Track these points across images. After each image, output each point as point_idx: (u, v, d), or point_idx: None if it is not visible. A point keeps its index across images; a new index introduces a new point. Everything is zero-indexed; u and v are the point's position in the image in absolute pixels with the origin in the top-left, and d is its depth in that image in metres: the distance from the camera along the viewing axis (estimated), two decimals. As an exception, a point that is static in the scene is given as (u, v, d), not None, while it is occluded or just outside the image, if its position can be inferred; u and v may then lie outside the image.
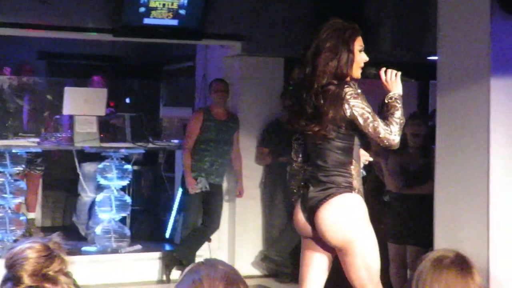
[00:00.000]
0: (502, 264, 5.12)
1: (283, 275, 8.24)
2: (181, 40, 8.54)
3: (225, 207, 8.41)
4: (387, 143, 4.10)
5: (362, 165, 4.33)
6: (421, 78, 9.87)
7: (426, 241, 6.41)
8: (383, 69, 4.27)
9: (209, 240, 8.25)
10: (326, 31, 4.20)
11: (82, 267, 7.88)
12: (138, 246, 8.44)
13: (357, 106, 4.08)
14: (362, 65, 4.27)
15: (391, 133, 4.07)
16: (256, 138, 8.52)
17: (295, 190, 8.03)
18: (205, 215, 8.12)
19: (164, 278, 8.01)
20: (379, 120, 4.09)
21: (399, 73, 4.25)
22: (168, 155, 9.25)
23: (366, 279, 4.20)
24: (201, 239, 8.12)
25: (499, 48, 5.03)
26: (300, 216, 4.36)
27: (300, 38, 8.54)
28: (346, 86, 4.11)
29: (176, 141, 8.86)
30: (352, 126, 4.14)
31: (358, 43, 4.25)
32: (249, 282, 8.63)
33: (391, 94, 4.20)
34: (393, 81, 4.23)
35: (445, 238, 5.41)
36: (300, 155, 4.46)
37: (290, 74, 4.34)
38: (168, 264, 8.01)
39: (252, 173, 8.50)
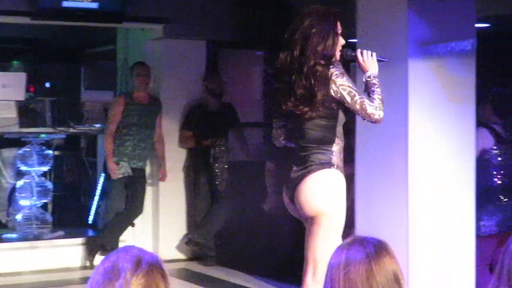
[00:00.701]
0: (420, 244, 5.23)
1: (207, 258, 8.25)
2: (101, 23, 8.43)
3: (149, 191, 8.37)
4: (372, 119, 4.24)
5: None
6: (341, 61, 9.96)
7: (348, 221, 6.51)
8: (359, 50, 4.41)
9: (133, 225, 8.21)
10: (311, 16, 4.33)
11: (3, 254, 7.76)
12: (61, 232, 8.34)
13: (343, 85, 4.23)
14: (340, 48, 4.40)
15: (376, 108, 4.21)
16: (179, 122, 8.49)
17: (219, 173, 8.12)
18: (128, 200, 8.07)
19: (88, 264, 7.95)
20: (364, 97, 4.23)
21: (375, 54, 4.39)
22: (90, 139, 9.15)
23: (321, 253, 4.26)
24: (124, 224, 8.07)
25: (416, 31, 5.13)
26: (286, 198, 4.47)
27: (223, 21, 8.56)
28: (331, 66, 4.26)
29: (98, 125, 8.77)
30: (340, 105, 4.28)
31: (339, 28, 4.40)
32: (173, 265, 8.67)
33: (368, 73, 4.33)
34: (369, 61, 4.36)
35: (365, 219, 5.50)
36: (283, 136, 4.56)
37: (276, 59, 4.47)
38: (91, 250, 7.94)
39: (175, 156, 8.47)
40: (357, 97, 4.21)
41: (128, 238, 8.21)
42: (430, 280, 5.21)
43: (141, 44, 8.82)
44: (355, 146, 5.64)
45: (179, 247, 8.51)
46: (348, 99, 4.23)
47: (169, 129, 8.42)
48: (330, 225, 4.29)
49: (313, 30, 4.28)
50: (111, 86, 9.30)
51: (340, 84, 4.23)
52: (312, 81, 4.23)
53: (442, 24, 5.35)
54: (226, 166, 8.20)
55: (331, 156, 4.31)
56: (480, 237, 5.84)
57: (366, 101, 4.21)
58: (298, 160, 4.40)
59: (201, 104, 8.43)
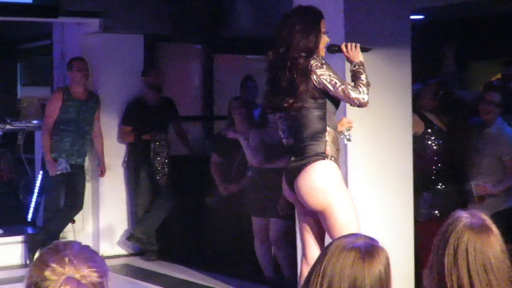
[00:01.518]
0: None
1: (149, 253, 8.22)
2: (36, 18, 8.31)
3: (88, 187, 8.30)
4: (357, 103, 4.45)
5: (348, 131, 4.68)
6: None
7: (286, 214, 6.56)
8: (344, 43, 4.62)
9: (73, 221, 8.14)
10: (295, 14, 4.62)
11: None
12: (0, 231, 8.23)
13: (323, 75, 4.45)
14: (325, 44, 4.63)
15: (360, 93, 4.42)
16: (118, 117, 8.43)
17: (159, 168, 8.10)
18: (67, 196, 7.99)
19: (28, 261, 7.85)
20: (346, 83, 4.44)
21: (358, 45, 4.59)
22: (28, 136, 9.03)
23: None
24: (64, 220, 8.00)
25: (352, 21, 5.18)
26: (285, 186, 4.67)
27: (160, 14, 8.52)
28: (311, 59, 4.47)
29: (35, 121, 8.66)
30: (324, 94, 4.47)
31: (322, 25, 4.62)
32: (115, 261, 8.62)
33: (354, 63, 4.57)
34: (353, 51, 4.58)
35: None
36: (286, 132, 4.67)
37: (266, 56, 4.73)
38: (31, 247, 7.85)
39: (115, 152, 8.42)
40: (338, 84, 4.42)
41: (69, 234, 8.13)
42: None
43: (77, 39, 8.72)
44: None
45: (120, 243, 8.46)
46: (330, 87, 4.44)
47: (108, 124, 8.36)
48: (342, 214, 4.43)
49: (297, 27, 4.52)
50: (49, 82, 9.19)
51: (320, 74, 4.45)
52: (294, 74, 4.46)
53: (377, 16, 5.41)
54: (166, 161, 8.17)
55: (325, 147, 4.47)
56: (419, 223, 5.95)
57: (349, 87, 4.42)
58: (296, 152, 4.58)
59: (140, 99, 8.38)
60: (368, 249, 2.34)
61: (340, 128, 4.69)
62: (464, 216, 2.57)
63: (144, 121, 8.23)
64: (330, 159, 4.48)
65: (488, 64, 9.49)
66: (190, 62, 10.05)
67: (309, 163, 4.47)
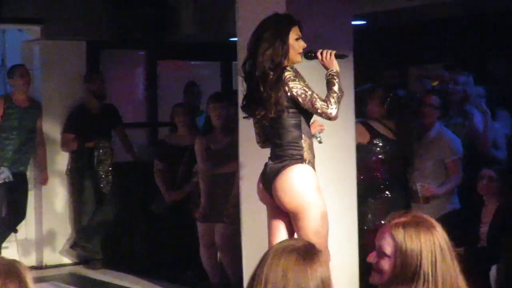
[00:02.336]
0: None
1: (94, 261, 8.15)
2: (-24, 25, 8.20)
3: (31, 195, 8.19)
4: (325, 117, 4.49)
5: (319, 134, 4.75)
6: (224, 59, 10.03)
7: (233, 219, 6.57)
8: (319, 50, 4.62)
9: (15, 231, 8.03)
10: (264, 24, 4.63)
11: None
12: None
13: (295, 87, 4.48)
14: (301, 51, 4.63)
15: (327, 107, 4.44)
16: (61, 124, 8.34)
17: (103, 175, 8.03)
18: (9, 206, 7.88)
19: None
20: (316, 96, 4.46)
21: (333, 52, 4.60)
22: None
23: (316, 243, 4.33)
24: (6, 230, 7.88)
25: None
26: (260, 186, 4.74)
27: (103, 21, 8.46)
28: (284, 71, 4.51)
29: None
30: (296, 105, 4.51)
31: (295, 33, 4.62)
32: (59, 270, 8.49)
33: (328, 71, 4.59)
34: (327, 59, 4.59)
35: (251, 216, 5.55)
36: (261, 136, 4.80)
37: (242, 64, 4.73)
38: (-28, 258, 7.71)
39: (58, 159, 8.33)
40: (308, 97, 4.46)
41: (11, 244, 8.02)
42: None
43: (19, 45, 8.61)
44: (238, 144, 5.68)
45: (64, 252, 8.37)
46: (300, 100, 4.48)
47: (51, 132, 8.27)
48: (312, 215, 4.49)
49: (264, 36, 4.55)
50: (-11, 89, 9.05)
51: (292, 87, 4.48)
52: (264, 86, 4.51)
53: (319, 22, 5.45)
54: (110, 168, 8.11)
55: (302, 153, 4.55)
56: (366, 231, 6.00)
57: (318, 100, 4.45)
58: (274, 156, 4.66)
59: (82, 106, 8.30)
60: (308, 251, 2.34)
61: (312, 130, 4.75)
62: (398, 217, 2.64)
63: (87, 129, 8.16)
64: (308, 163, 4.56)
65: (430, 68, 9.62)
66: (134, 68, 10.00)
67: (288, 165, 4.55)
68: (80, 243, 8.13)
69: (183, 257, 7.67)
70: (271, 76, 4.50)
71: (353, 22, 5.83)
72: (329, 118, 4.49)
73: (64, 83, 8.39)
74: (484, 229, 5.93)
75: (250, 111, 4.67)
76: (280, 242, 2.42)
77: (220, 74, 10.22)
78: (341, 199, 5.52)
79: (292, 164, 4.55)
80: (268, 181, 4.65)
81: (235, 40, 5.68)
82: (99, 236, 8.16)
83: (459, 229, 5.86)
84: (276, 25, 4.60)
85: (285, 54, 4.55)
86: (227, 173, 6.76)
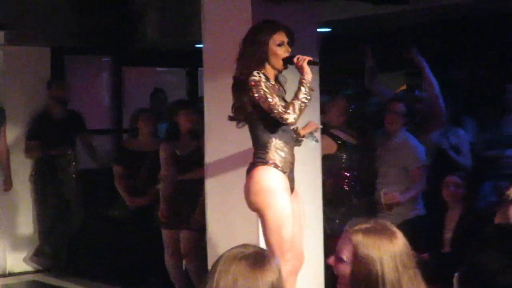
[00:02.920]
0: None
1: (58, 268, 8.09)
2: None
3: (-6, 203, 8.12)
4: (282, 121, 4.52)
5: (315, 133, 4.88)
6: (190, 65, 10.03)
7: (198, 226, 6.56)
8: (296, 56, 4.63)
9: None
10: (249, 30, 4.71)
11: None
12: None
13: (257, 92, 4.50)
14: (284, 56, 4.66)
15: (284, 112, 4.48)
16: (24, 131, 8.27)
17: (67, 182, 7.97)
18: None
19: None
20: (276, 101, 4.48)
21: (307, 58, 4.60)
22: None
23: (274, 244, 4.56)
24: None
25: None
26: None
27: (67, 27, 8.41)
28: (250, 75, 4.53)
29: None
30: (260, 109, 4.55)
31: (277, 38, 4.66)
32: (23, 278, 8.42)
33: (300, 77, 4.60)
34: (300, 65, 4.60)
35: (217, 223, 5.54)
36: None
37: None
38: None
39: (22, 166, 8.26)
40: (267, 101, 4.49)
41: (-26, 252, 7.94)
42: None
43: (-19, 52, 8.54)
44: (204, 150, 5.67)
45: (28, 259, 8.29)
46: (261, 103, 4.52)
47: (14, 139, 8.20)
48: (271, 216, 4.54)
49: (244, 43, 4.66)
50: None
51: (254, 91, 4.51)
52: (234, 91, 4.62)
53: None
54: (73, 175, 8.07)
55: (266, 155, 4.60)
56: (332, 237, 6.02)
57: (277, 104, 4.48)
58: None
59: (45, 112, 8.25)
60: (259, 258, 2.33)
61: (306, 130, 4.88)
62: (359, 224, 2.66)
63: (50, 135, 8.10)
64: (271, 165, 4.60)
65: (393, 76, 9.69)
66: (99, 74, 9.95)
67: (252, 168, 4.64)
68: (44, 250, 8.06)
69: (148, 264, 7.64)
70: (239, 81, 4.58)
71: (319, 30, 5.86)
72: (286, 123, 4.53)
73: (28, 89, 8.33)
74: (448, 235, 5.98)
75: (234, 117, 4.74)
76: (230, 249, 2.40)
77: (186, 81, 10.21)
78: (306, 205, 5.53)
79: (256, 166, 4.62)
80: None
81: (201, 47, 5.67)
82: (63, 243, 8.10)
83: (423, 235, 5.91)
84: (255, 31, 4.67)
85: (261, 60, 4.60)
86: (193, 179, 6.75)
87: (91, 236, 8.43)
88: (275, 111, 4.48)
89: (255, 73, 4.54)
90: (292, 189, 4.74)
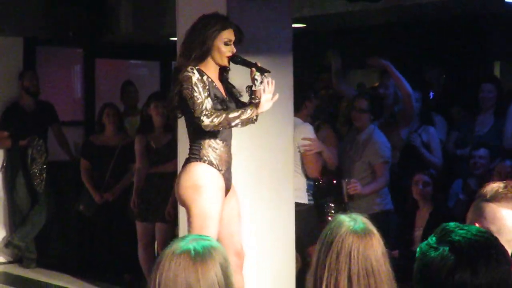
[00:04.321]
0: (254, 239, 5.31)
1: (28, 260, 8.05)
2: None
3: (-37, 194, 8.06)
4: (197, 121, 4.43)
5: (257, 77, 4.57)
6: (163, 59, 9.99)
7: (172, 218, 6.56)
8: (266, 80, 4.52)
9: None
10: (198, 20, 4.63)
11: None
12: None
13: (185, 88, 4.45)
14: (228, 55, 4.60)
15: (202, 115, 4.38)
16: (-5, 122, 8.21)
17: (37, 174, 7.92)
18: None
19: None
20: (201, 100, 4.40)
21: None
22: None
23: None
24: None
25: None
26: None
27: (40, 18, 8.35)
28: (183, 71, 4.48)
29: None
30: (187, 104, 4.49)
31: (225, 36, 4.59)
32: (-8, 269, 8.21)
33: (254, 102, 4.50)
34: (266, 98, 4.50)
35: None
36: None
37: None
38: None
39: (-9, 157, 8.20)
40: (192, 98, 4.42)
41: None
42: (255, 270, 5.28)
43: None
44: (177, 143, 5.66)
45: (-3, 250, 8.24)
46: (187, 99, 4.45)
47: (-15, 129, 8.12)
48: (196, 212, 4.50)
49: (186, 37, 4.62)
50: None
51: (183, 87, 4.46)
52: (172, 79, 4.58)
53: (260, 24, 5.47)
54: (44, 166, 8.01)
55: (200, 151, 4.56)
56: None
57: (199, 108, 4.40)
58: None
59: (17, 103, 8.19)
60: (199, 252, 2.29)
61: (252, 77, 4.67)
62: (347, 220, 2.62)
63: (21, 126, 8.04)
64: (205, 162, 4.56)
65: (366, 73, 9.74)
66: (72, 66, 9.89)
67: (186, 164, 4.63)
68: (14, 241, 8.01)
69: (120, 257, 7.62)
70: (174, 76, 4.56)
71: (293, 25, 5.86)
72: (201, 125, 4.43)
73: (-1, 80, 8.26)
74: (418, 233, 6.02)
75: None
76: (172, 243, 2.36)
77: (159, 74, 10.18)
78: (277, 204, 5.54)
79: (189, 162, 4.60)
80: None
81: (175, 40, 5.65)
82: (33, 234, 8.05)
83: (390, 230, 5.94)
84: (205, 23, 4.59)
85: (204, 54, 4.54)
86: (167, 172, 6.74)
87: (62, 228, 8.39)
88: (196, 110, 4.40)
89: (189, 68, 4.48)
90: (228, 187, 4.69)
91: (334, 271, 2.51)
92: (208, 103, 4.44)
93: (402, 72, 6.68)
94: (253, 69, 4.57)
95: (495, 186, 3.01)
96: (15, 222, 8.17)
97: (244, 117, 4.45)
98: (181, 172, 4.64)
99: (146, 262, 7.03)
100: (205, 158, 4.55)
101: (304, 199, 6.13)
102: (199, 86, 4.45)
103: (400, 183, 6.52)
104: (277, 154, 5.55)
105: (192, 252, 2.27)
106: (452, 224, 2.15)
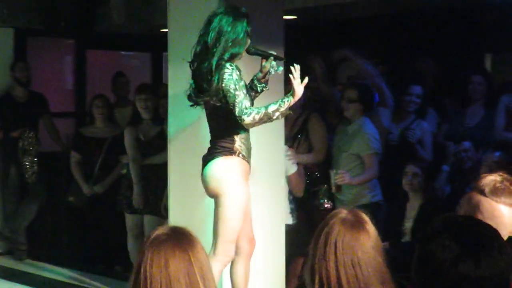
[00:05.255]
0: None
1: (18, 252, 8.03)
2: None
3: (-46, 185, 8.03)
4: (239, 120, 4.49)
5: (273, 66, 4.73)
6: (154, 50, 9.97)
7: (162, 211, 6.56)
8: (297, 67, 4.57)
9: None
10: (219, 15, 4.65)
11: None
12: None
13: (227, 83, 4.49)
14: (247, 45, 4.68)
15: (245, 113, 4.44)
16: (-14, 113, 8.18)
17: (28, 165, 7.90)
18: None
19: None
20: (242, 98, 4.46)
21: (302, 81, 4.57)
22: None
23: (220, 230, 4.64)
24: None
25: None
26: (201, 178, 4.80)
27: (31, 8, 8.32)
28: (226, 64, 4.52)
29: None
30: (226, 99, 4.53)
31: (249, 30, 4.68)
32: (-19, 261, 8.17)
33: (289, 94, 4.55)
34: (297, 83, 4.55)
35: (179, 208, 5.54)
36: (208, 127, 4.86)
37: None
38: None
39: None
40: (232, 95, 4.47)
41: None
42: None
43: None
44: (167, 135, 5.66)
45: (-13, 242, 8.23)
46: (228, 94, 4.49)
47: (-24, 120, 8.10)
48: (227, 204, 4.61)
49: (219, 25, 4.60)
50: None
51: (225, 83, 4.49)
52: (210, 76, 4.56)
53: (251, 14, 5.46)
54: (35, 158, 8.00)
55: (233, 145, 4.65)
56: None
57: (241, 103, 4.46)
58: (209, 147, 4.77)
59: (8, 94, 8.17)
60: (185, 237, 2.35)
61: (264, 71, 4.77)
62: (342, 212, 2.65)
63: (12, 117, 8.02)
64: (238, 155, 4.66)
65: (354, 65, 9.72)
66: (63, 56, 9.86)
67: (216, 157, 4.68)
68: (4, 233, 8.00)
69: (110, 249, 7.62)
70: (218, 67, 4.53)
71: (285, 17, 5.86)
72: (241, 122, 4.51)
73: (-10, 70, 8.24)
74: (408, 224, 6.04)
75: (196, 99, 4.71)
76: (151, 234, 2.41)
77: (151, 65, 10.16)
78: (268, 198, 5.54)
79: (221, 156, 4.66)
80: (202, 170, 4.76)
81: (166, 31, 5.64)
82: (23, 226, 8.04)
83: (379, 222, 5.94)
84: (236, 19, 4.63)
85: (236, 50, 4.59)
86: (157, 164, 6.74)
87: (53, 220, 8.37)
88: (237, 108, 4.47)
89: (228, 65, 4.54)
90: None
91: (324, 261, 2.55)
92: (247, 101, 4.51)
93: (395, 65, 6.68)
94: (263, 59, 4.71)
95: (492, 179, 3.00)
96: (5, 213, 8.16)
97: (283, 108, 4.51)
98: (211, 166, 4.66)
99: (134, 254, 7.04)
100: (238, 152, 4.66)
101: (289, 220, 6.15)
102: (240, 83, 4.52)
103: (391, 175, 6.53)
104: (268, 150, 5.53)
105: (179, 237, 2.32)
106: (453, 215, 2.15)
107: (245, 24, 4.66)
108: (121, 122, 7.95)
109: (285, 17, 5.89)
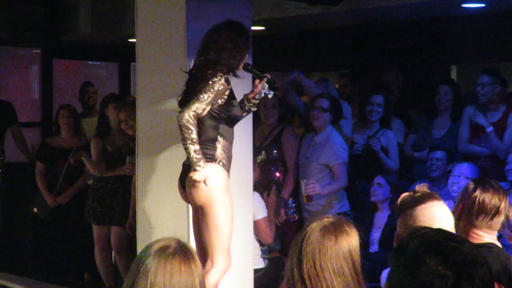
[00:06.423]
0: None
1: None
2: None
3: None
4: (179, 112, 4.56)
5: (264, 89, 4.85)
6: (122, 60, 9.95)
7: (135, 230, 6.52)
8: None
9: None
10: (221, 29, 4.73)
11: None
12: None
13: (207, 89, 4.57)
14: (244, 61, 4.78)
15: (185, 111, 4.50)
16: (-49, 122, 8.09)
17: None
18: None
19: None
20: (199, 104, 4.54)
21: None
22: None
23: (215, 240, 4.62)
24: None
25: (194, 30, 5.20)
26: (179, 184, 4.82)
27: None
28: (214, 76, 4.59)
29: None
30: (212, 106, 4.62)
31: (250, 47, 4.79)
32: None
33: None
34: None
35: (147, 218, 5.51)
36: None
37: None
38: None
39: None
40: (199, 98, 4.53)
41: None
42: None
43: None
44: (136, 145, 5.63)
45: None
46: (198, 93, 4.55)
47: None
48: (216, 213, 4.60)
49: (221, 37, 4.67)
50: None
51: (206, 89, 4.55)
52: (199, 82, 4.61)
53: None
54: (0, 170, 7.92)
55: (214, 153, 4.66)
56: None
57: (195, 106, 4.52)
58: None
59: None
60: (186, 250, 2.43)
61: (255, 91, 4.85)
62: (322, 219, 2.78)
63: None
64: (219, 163, 4.66)
65: (325, 75, 9.78)
66: (29, 66, 9.79)
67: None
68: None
69: (78, 259, 7.57)
70: (209, 76, 4.58)
71: (253, 28, 5.87)
72: (179, 114, 4.55)
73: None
74: (377, 234, 6.07)
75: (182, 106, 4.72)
76: (154, 244, 2.45)
77: (118, 75, 10.13)
78: (238, 194, 5.54)
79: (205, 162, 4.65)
80: (182, 178, 4.75)
81: (134, 41, 5.63)
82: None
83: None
84: (238, 35, 4.71)
85: (232, 65, 4.66)
86: (124, 175, 6.71)
87: (18, 230, 8.30)
88: (190, 104, 4.53)
89: (218, 75, 4.60)
90: None
91: (296, 253, 2.70)
92: (200, 110, 4.55)
93: (360, 75, 6.72)
94: (257, 79, 4.83)
95: (407, 194, 3.14)
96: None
97: (189, 154, 4.53)
98: (192, 172, 4.62)
99: (103, 265, 7.00)
100: (219, 160, 4.66)
101: (261, 264, 6.18)
102: (215, 93, 4.57)
103: (359, 186, 6.57)
104: (237, 153, 5.54)
105: (182, 251, 2.41)
106: (424, 231, 2.02)
107: (244, 39, 4.73)
108: (88, 132, 7.90)
109: (253, 27, 5.90)
